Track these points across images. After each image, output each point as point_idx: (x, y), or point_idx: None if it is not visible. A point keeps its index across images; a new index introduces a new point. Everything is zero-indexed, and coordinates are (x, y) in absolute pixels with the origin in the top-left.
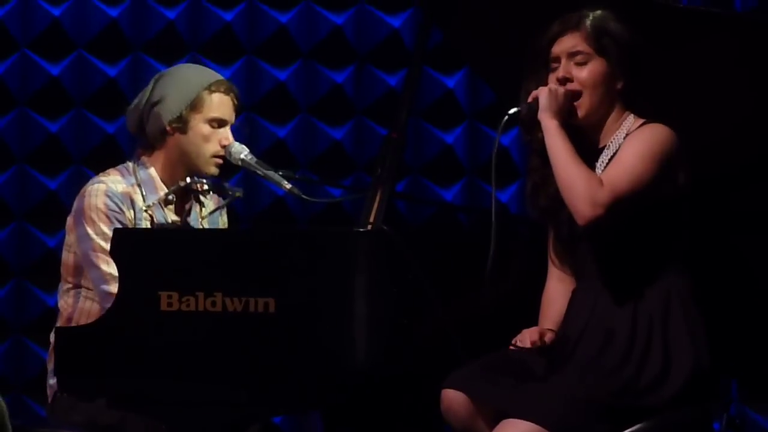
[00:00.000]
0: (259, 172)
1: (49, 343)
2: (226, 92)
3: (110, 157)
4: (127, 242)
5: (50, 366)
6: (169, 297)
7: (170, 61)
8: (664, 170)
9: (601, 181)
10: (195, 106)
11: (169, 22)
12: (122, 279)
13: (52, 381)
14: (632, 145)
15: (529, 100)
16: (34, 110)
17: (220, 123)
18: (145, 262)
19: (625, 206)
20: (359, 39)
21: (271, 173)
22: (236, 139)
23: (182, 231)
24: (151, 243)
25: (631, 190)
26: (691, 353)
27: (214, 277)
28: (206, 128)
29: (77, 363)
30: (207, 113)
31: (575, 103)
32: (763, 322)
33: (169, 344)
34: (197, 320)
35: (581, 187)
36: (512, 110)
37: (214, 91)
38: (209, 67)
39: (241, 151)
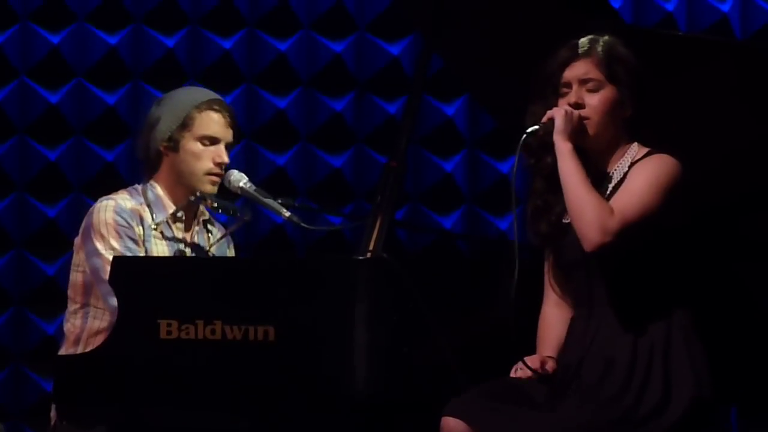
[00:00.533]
0: (258, 200)
1: (51, 371)
2: (217, 110)
3: (110, 184)
4: (127, 270)
5: None
6: (169, 325)
7: (169, 89)
8: (671, 200)
9: (611, 209)
10: (185, 125)
11: (169, 50)
12: (121, 307)
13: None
14: (641, 174)
15: (544, 120)
16: (34, 138)
17: (211, 140)
18: (144, 290)
19: (633, 234)
20: (359, 67)
21: (270, 201)
22: (235, 167)
23: (181, 259)
24: (150, 271)
25: (640, 218)
26: (692, 382)
27: (213, 305)
28: (197, 146)
29: (76, 391)
30: (196, 131)
31: (585, 129)
32: (763, 349)
33: (168, 372)
34: (197, 348)
35: (592, 213)
36: (531, 128)
37: (204, 110)
38: None
39: (240, 179)
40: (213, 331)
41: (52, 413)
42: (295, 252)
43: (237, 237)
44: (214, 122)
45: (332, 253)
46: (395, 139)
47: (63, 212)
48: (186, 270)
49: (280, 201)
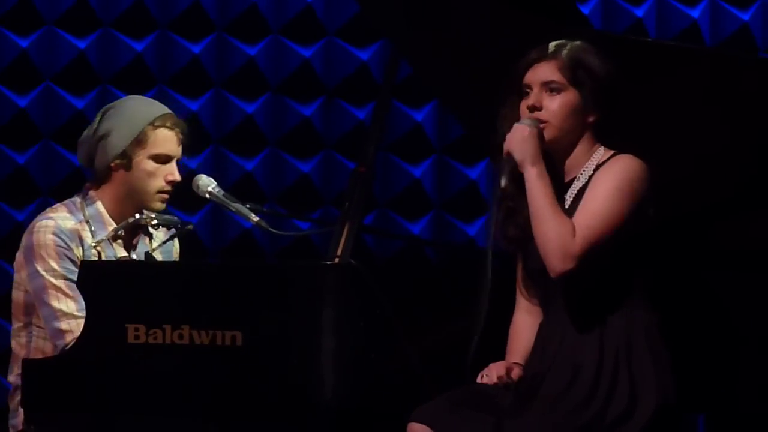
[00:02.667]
0: (226, 204)
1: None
2: (171, 127)
3: (77, 189)
4: (94, 275)
5: (12, 405)
6: (136, 329)
7: (138, 93)
8: (636, 205)
9: (573, 232)
10: (139, 141)
11: (137, 55)
12: (89, 311)
13: (13, 421)
14: (604, 183)
15: (504, 155)
16: (1, 142)
17: (164, 159)
18: (111, 294)
19: (599, 250)
20: (327, 72)
21: (238, 206)
22: (203, 172)
23: (149, 264)
24: (118, 276)
25: (605, 234)
26: (657, 388)
27: (181, 310)
28: (150, 164)
29: (44, 396)
30: (151, 149)
31: (541, 135)
32: (730, 357)
33: (136, 377)
34: (164, 353)
35: (554, 240)
36: (501, 181)
37: (159, 127)
38: (177, 100)
39: (209, 184)
40: (180, 336)
41: (11, 429)
42: (263, 257)
43: (204, 241)
44: (168, 140)
45: (300, 259)
46: (364, 145)
47: (31, 217)
48: (154, 275)
49: (248, 206)
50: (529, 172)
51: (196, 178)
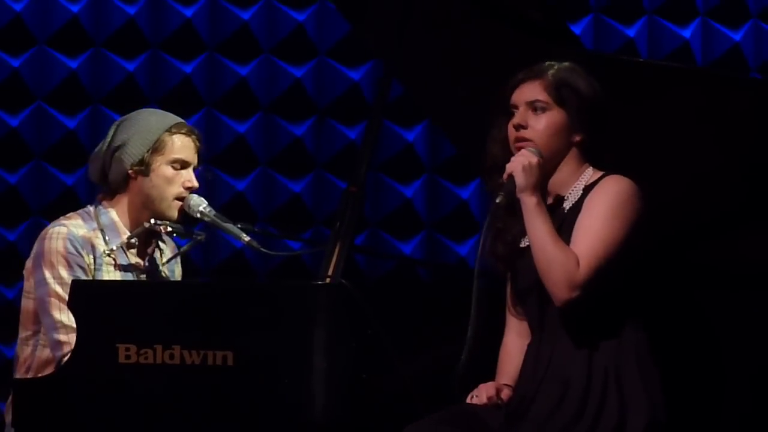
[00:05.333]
0: (218, 224)
1: (7, 395)
2: (188, 134)
3: (69, 208)
4: (85, 294)
5: (8, 419)
6: (127, 349)
7: (129, 112)
8: (634, 225)
9: (577, 261)
10: (157, 148)
11: (129, 75)
12: (80, 330)
13: None
14: (599, 207)
15: (504, 177)
16: None
17: (182, 164)
18: (102, 314)
19: (602, 275)
20: (319, 92)
21: (229, 226)
22: (195, 191)
23: (140, 283)
24: (109, 295)
25: (608, 258)
26: (647, 407)
27: (172, 329)
28: (169, 170)
29: (36, 415)
30: (169, 155)
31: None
32: (719, 376)
33: (127, 397)
34: (155, 373)
35: (558, 270)
36: (498, 199)
37: (175, 133)
38: None
39: (200, 204)
40: (171, 356)
41: None
42: (254, 277)
43: (196, 260)
44: (186, 146)
45: (291, 279)
46: (355, 165)
47: (23, 236)
48: (145, 294)
49: (239, 226)
50: (528, 200)
51: (187, 197)
